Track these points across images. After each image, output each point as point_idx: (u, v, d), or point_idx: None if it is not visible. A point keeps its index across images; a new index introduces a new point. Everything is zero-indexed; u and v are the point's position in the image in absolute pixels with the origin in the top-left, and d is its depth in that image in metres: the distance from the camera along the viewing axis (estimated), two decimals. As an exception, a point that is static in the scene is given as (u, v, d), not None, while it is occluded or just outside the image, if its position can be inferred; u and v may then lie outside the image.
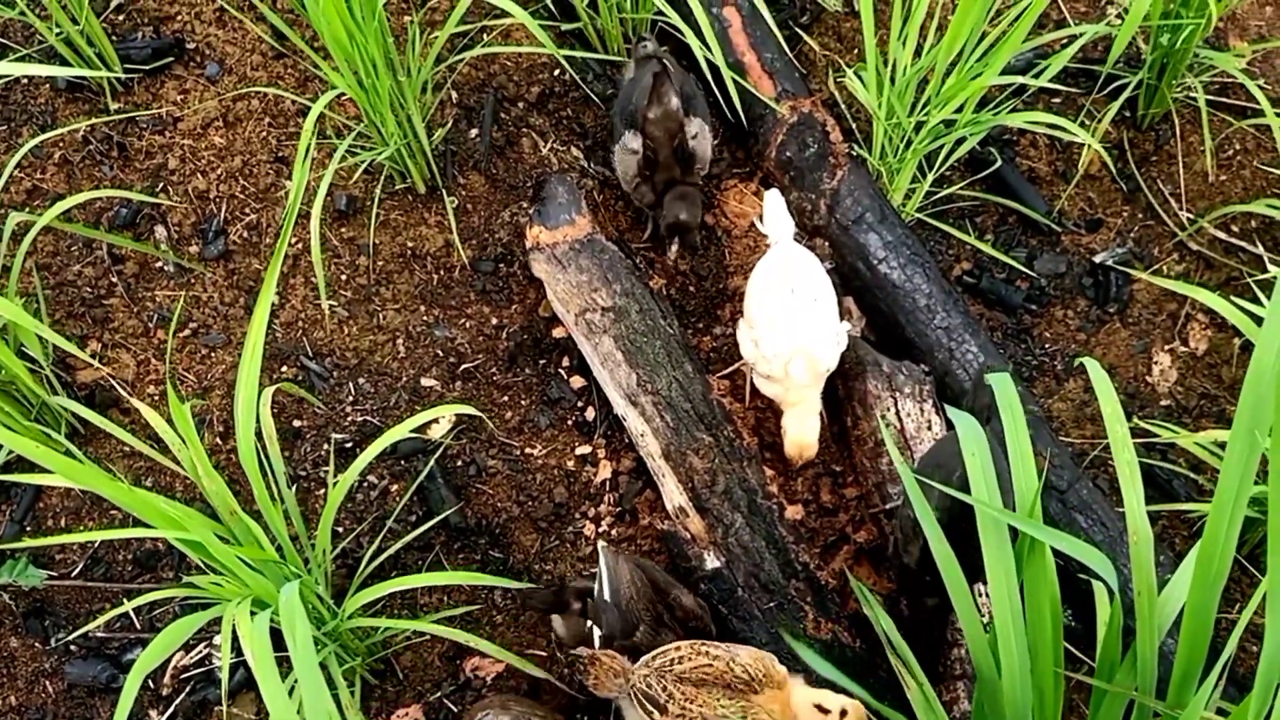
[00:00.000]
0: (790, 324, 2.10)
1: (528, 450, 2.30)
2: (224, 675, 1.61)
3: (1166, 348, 2.51)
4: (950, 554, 1.45)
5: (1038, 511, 1.46)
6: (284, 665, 1.47)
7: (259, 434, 1.76)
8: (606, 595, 1.90)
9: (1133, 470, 1.47)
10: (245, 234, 2.38)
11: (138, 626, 2.07)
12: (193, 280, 2.34)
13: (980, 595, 2.02)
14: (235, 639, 1.95)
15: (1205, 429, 2.37)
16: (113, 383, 2.22)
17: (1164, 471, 2.33)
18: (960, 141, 2.41)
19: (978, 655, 1.50)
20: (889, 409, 2.23)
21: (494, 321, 2.39)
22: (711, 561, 2.11)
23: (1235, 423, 1.18)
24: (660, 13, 2.47)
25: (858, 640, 2.12)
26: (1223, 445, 2.18)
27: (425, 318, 2.37)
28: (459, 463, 2.27)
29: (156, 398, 2.20)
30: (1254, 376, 1.17)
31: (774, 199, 2.25)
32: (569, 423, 2.35)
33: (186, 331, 2.28)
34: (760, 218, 2.27)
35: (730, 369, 2.35)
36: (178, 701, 2.02)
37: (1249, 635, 2.18)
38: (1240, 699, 1.37)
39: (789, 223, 2.23)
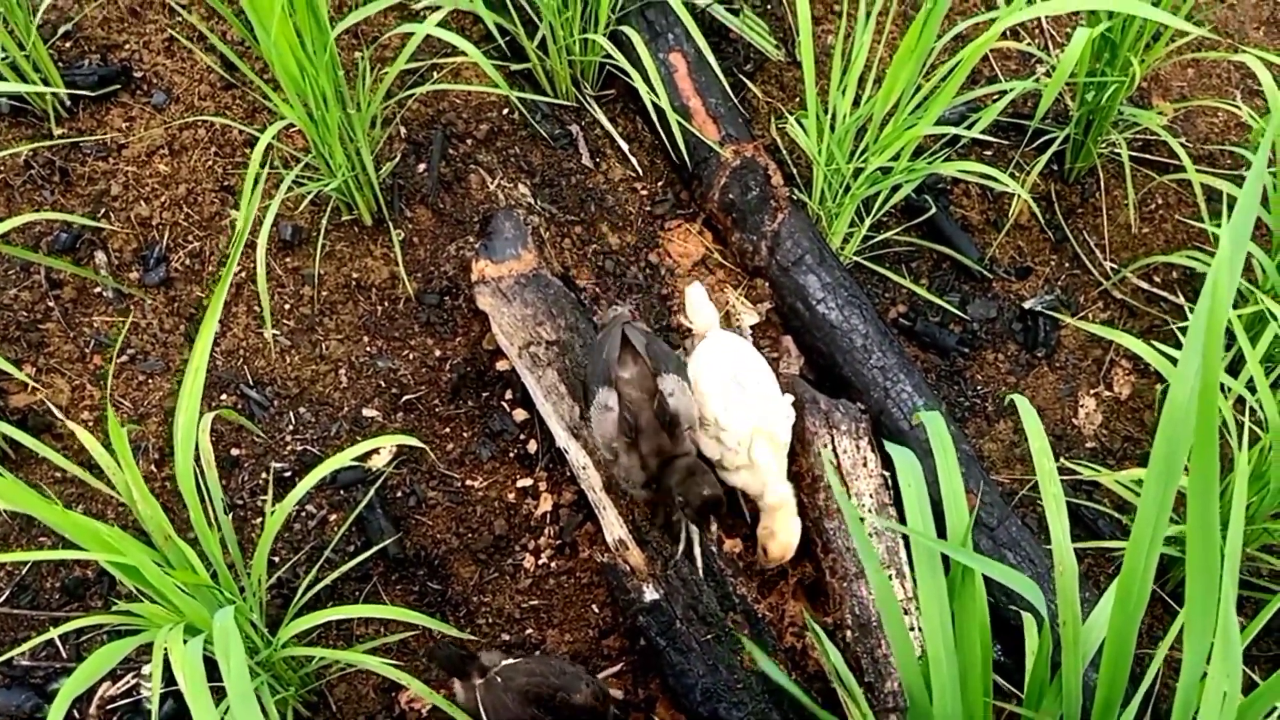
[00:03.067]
0: (744, 412, 2.14)
1: (469, 482, 2.31)
2: (154, 703, 1.57)
3: (1092, 392, 2.60)
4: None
5: (969, 543, 1.51)
6: (215, 695, 1.45)
7: (197, 459, 1.75)
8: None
9: (1059, 504, 1.53)
10: (188, 261, 2.37)
11: (64, 655, 2.02)
12: (132, 306, 2.32)
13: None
14: (164, 670, 1.92)
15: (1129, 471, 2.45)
16: (48, 406, 2.18)
17: (1089, 510, 2.41)
18: (896, 188, 2.49)
19: (910, 684, 1.53)
20: (826, 445, 2.27)
21: (437, 353, 2.40)
22: (650, 594, 2.12)
23: (1152, 460, 1.23)
24: (609, 56, 2.53)
25: (793, 672, 2.14)
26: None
27: (368, 348, 2.37)
28: (399, 494, 2.26)
29: (91, 424, 2.17)
30: (1169, 417, 1.23)
31: (696, 292, 2.28)
32: (511, 455, 2.35)
33: (124, 358, 2.26)
34: (684, 310, 2.31)
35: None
36: (103, 734, 1.98)
37: (1171, 670, 2.24)
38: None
39: (713, 313, 2.28)
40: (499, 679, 1.92)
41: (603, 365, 2.09)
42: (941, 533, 1.55)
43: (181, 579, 1.56)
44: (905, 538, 2.24)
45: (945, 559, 1.51)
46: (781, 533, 2.18)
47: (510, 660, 1.99)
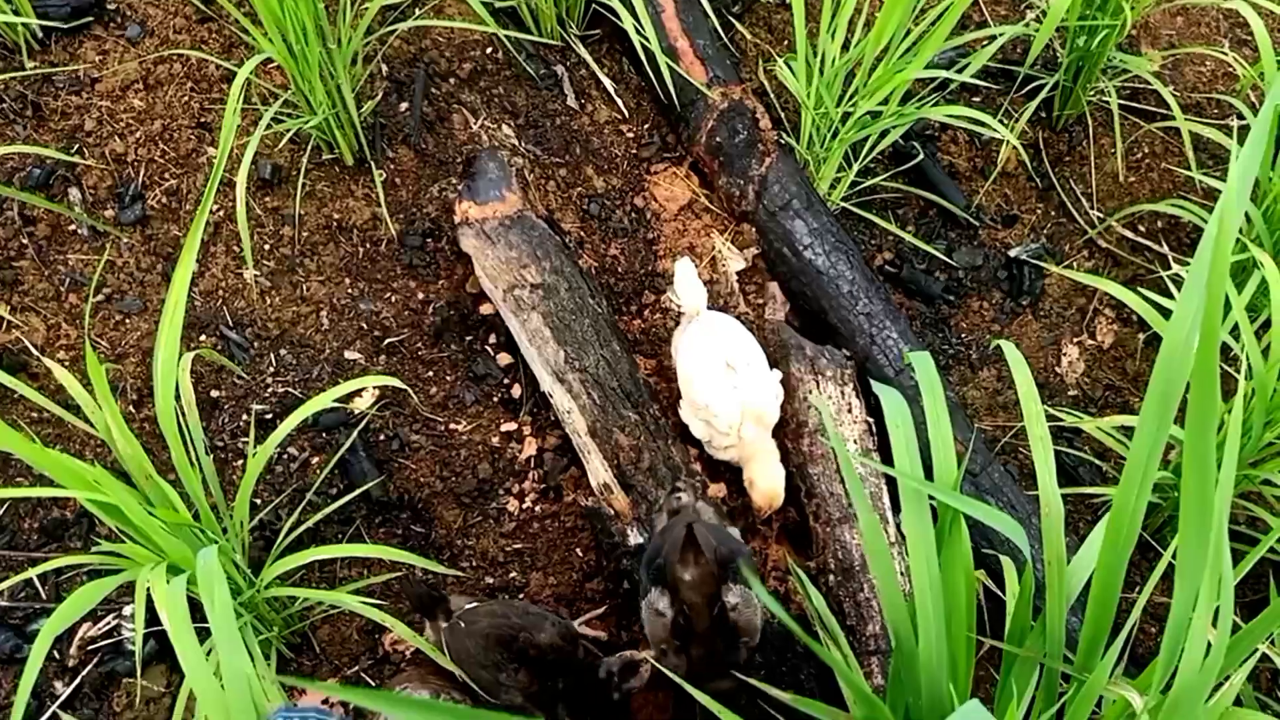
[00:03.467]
0: (734, 396, 2.12)
1: (452, 426, 2.29)
2: (138, 642, 1.56)
3: (1075, 340, 2.60)
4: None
5: (957, 485, 1.51)
6: (199, 636, 1.44)
7: (177, 399, 1.72)
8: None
9: (1045, 446, 1.53)
10: (164, 199, 2.32)
11: (43, 596, 2.00)
12: (108, 245, 2.27)
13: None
14: (146, 612, 1.91)
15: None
16: (24, 344, 2.14)
17: (1070, 458, 2.42)
18: (885, 134, 2.47)
19: (896, 624, 1.54)
20: (811, 391, 2.27)
21: (420, 296, 2.37)
22: (635, 537, 2.13)
23: (1148, 395, 1.23)
24: (595, -6, 2.48)
25: (773, 617, 2.16)
26: (1126, 430, 2.28)
27: (350, 290, 2.33)
28: (382, 437, 2.25)
29: (67, 363, 2.13)
30: (1167, 350, 1.22)
31: (684, 268, 2.22)
32: (495, 399, 2.34)
33: (100, 297, 2.21)
34: (672, 288, 2.24)
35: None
36: (84, 673, 1.96)
37: (1148, 617, 2.28)
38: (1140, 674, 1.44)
39: (703, 292, 2.22)
40: (461, 623, 1.91)
41: (661, 564, 1.86)
42: (928, 476, 1.55)
43: (164, 517, 1.54)
44: (889, 483, 2.25)
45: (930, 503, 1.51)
46: (760, 479, 2.18)
47: (473, 604, 1.98)
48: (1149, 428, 1.26)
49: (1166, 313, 2.27)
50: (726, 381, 2.13)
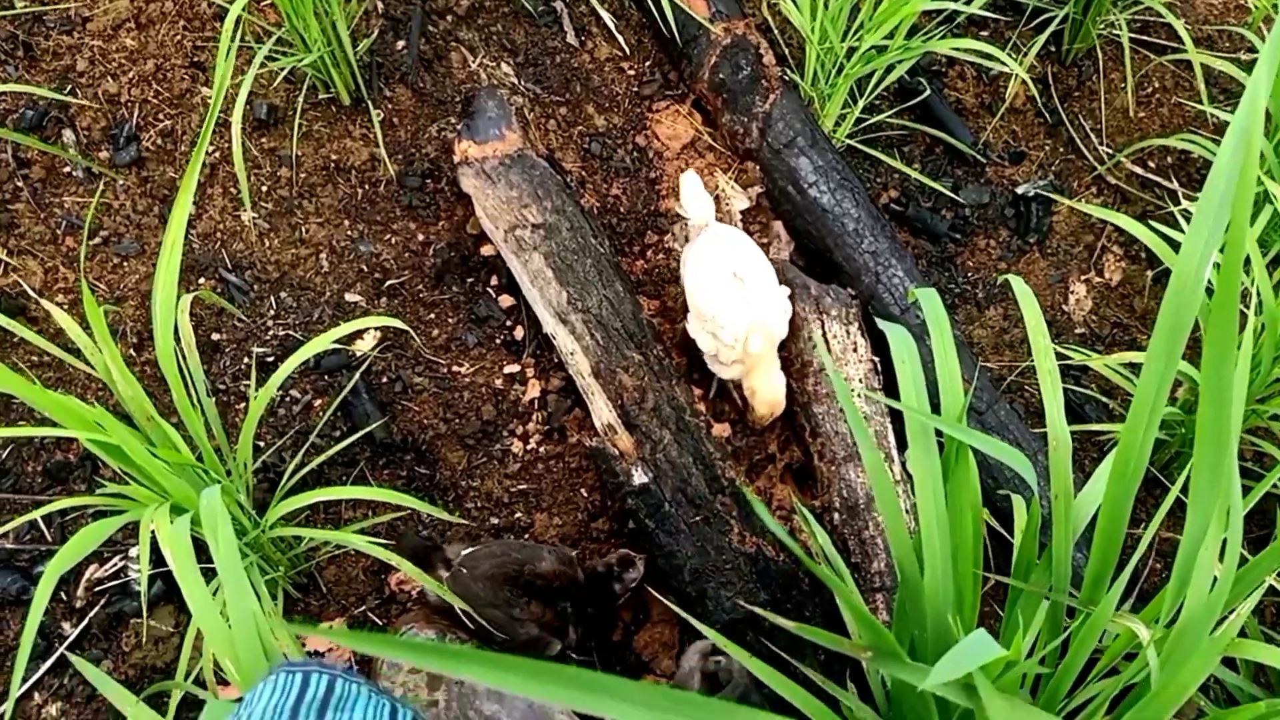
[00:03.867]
0: (742, 309, 2.09)
1: (455, 368, 2.28)
2: (143, 582, 1.57)
3: (1082, 278, 2.58)
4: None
5: (964, 419, 1.50)
6: (204, 578, 1.44)
7: (177, 341, 1.71)
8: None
9: (1054, 379, 1.51)
10: (159, 140, 2.29)
11: (49, 539, 2.01)
12: (103, 187, 2.24)
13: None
14: (152, 554, 1.91)
15: (1117, 356, 2.45)
16: (22, 288, 2.12)
17: (1076, 395, 2.41)
18: (890, 69, 2.43)
19: (901, 559, 1.53)
20: (816, 330, 2.25)
21: (420, 238, 2.34)
22: (639, 477, 2.12)
23: (1157, 326, 1.21)
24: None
25: (781, 555, 2.16)
26: (1133, 367, 2.27)
27: (349, 232, 2.31)
28: (384, 380, 2.24)
29: (66, 307, 2.12)
30: (1175, 288, 1.20)
31: (690, 181, 2.18)
32: (497, 341, 2.32)
33: (97, 240, 2.19)
34: (679, 200, 2.21)
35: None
36: (92, 614, 1.97)
37: (1152, 554, 2.28)
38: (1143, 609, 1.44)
39: (709, 204, 2.18)
40: (464, 569, 1.92)
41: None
42: (934, 412, 1.54)
43: (166, 457, 1.53)
44: (894, 424, 2.24)
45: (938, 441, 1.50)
46: (762, 388, 2.18)
47: (469, 549, 1.99)
48: (1158, 360, 1.24)
49: (1177, 246, 2.24)
50: (734, 294, 2.10)
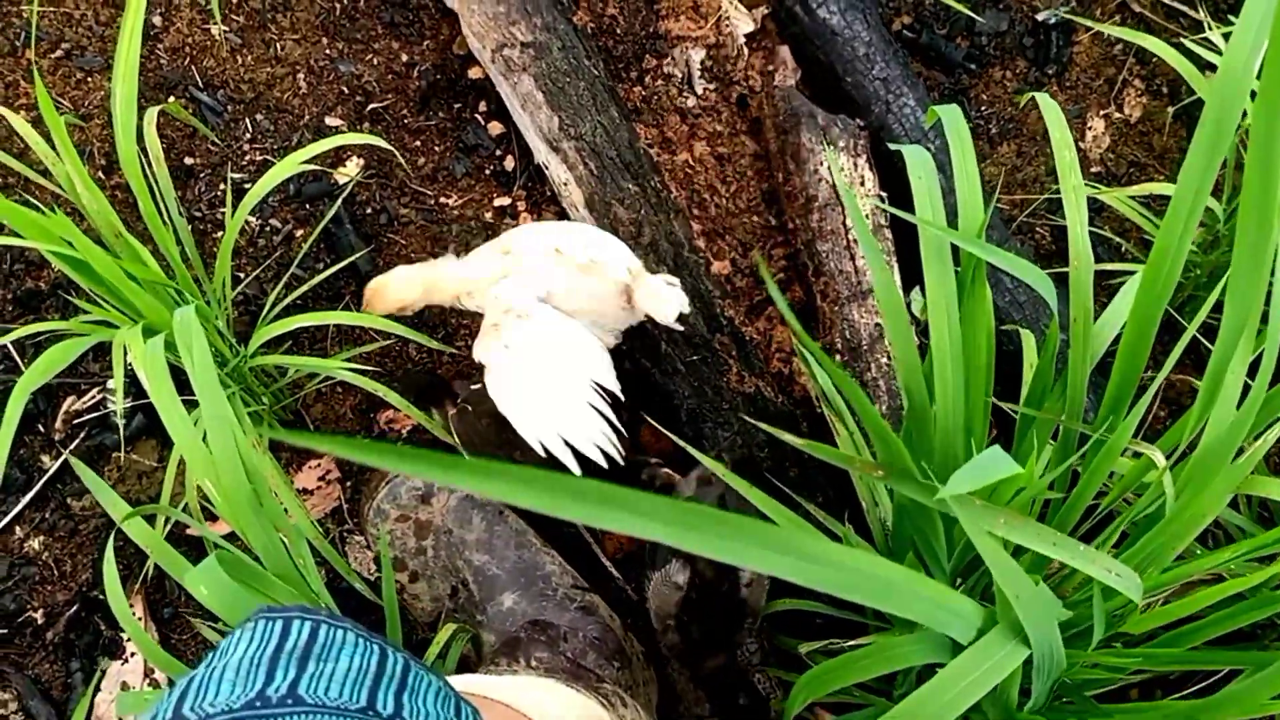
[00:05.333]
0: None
1: (442, 199, 2.17)
2: (118, 409, 1.50)
3: (1101, 113, 2.46)
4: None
5: (982, 235, 1.41)
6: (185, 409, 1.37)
7: (144, 153, 1.60)
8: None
9: (1079, 195, 1.42)
10: (120, -54, 2.12)
11: (21, 369, 1.93)
12: (62, -3, 2.09)
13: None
14: (132, 384, 1.84)
15: (1133, 195, 2.35)
16: (-24, 103, 1.99)
17: (1090, 235, 2.32)
18: (910, -122, 2.25)
19: (911, 387, 1.47)
20: (822, 163, 2.15)
21: (404, 58, 2.20)
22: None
23: (1201, 122, 1.11)
24: None
25: (780, 396, 2.11)
26: (1148, 202, 2.18)
27: (328, 51, 2.16)
28: (369, 210, 2.13)
29: (30, 122, 1.99)
30: (1221, 79, 1.10)
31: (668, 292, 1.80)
32: (487, 172, 2.21)
33: (58, 53, 2.04)
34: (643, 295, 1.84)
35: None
36: (72, 446, 1.91)
37: (1160, 402, 2.23)
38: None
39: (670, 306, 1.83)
40: (469, 406, 1.86)
41: None
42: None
43: (135, 270, 1.44)
44: (900, 264, 2.16)
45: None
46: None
47: (476, 385, 1.93)
48: (1198, 160, 1.14)
49: (1205, 69, 2.13)
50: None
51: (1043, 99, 1.56)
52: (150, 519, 1.73)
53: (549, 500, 0.63)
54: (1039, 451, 1.37)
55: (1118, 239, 2.32)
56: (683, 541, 0.68)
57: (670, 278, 1.80)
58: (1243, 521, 1.91)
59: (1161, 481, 1.26)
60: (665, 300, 1.77)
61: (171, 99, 2.07)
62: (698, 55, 2.29)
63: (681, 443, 1.63)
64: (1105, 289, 2.33)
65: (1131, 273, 2.22)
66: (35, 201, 2.00)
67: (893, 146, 1.60)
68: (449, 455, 0.57)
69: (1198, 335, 2.05)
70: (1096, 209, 2.34)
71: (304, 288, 1.94)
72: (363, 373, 1.93)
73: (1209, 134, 1.13)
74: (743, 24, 2.30)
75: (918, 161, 1.48)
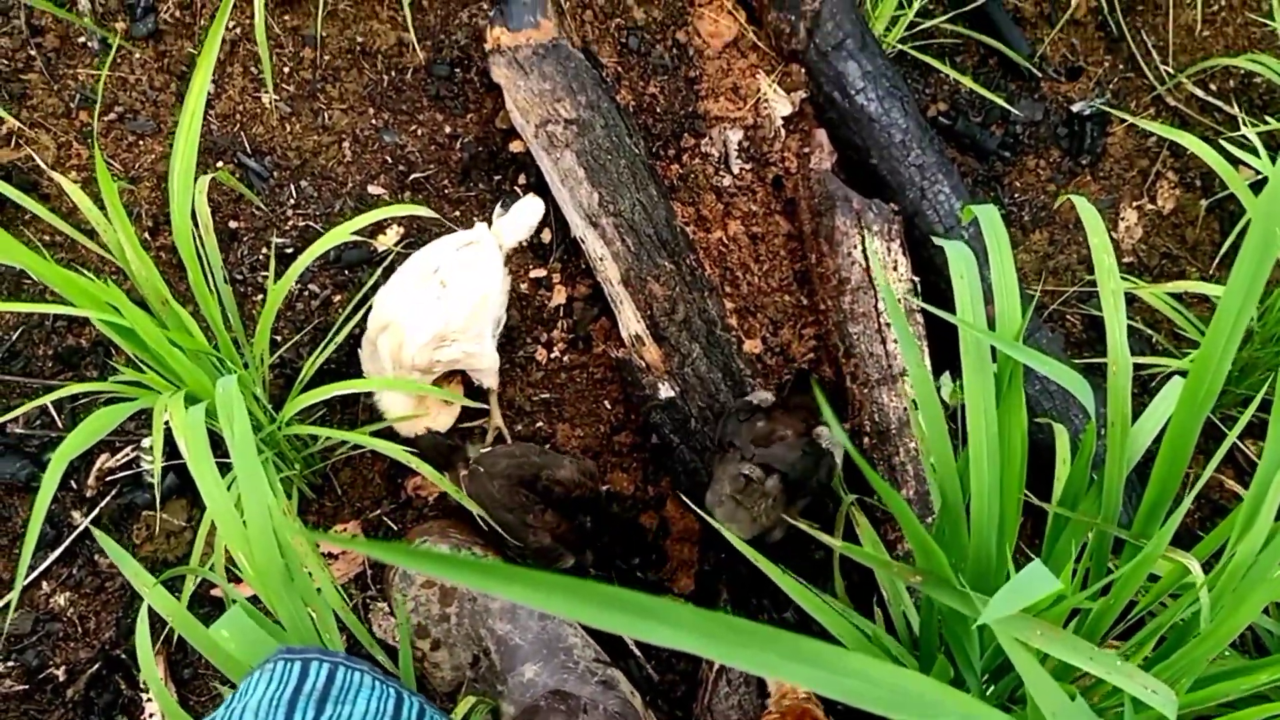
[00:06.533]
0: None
1: (479, 269, 2.19)
2: (156, 471, 1.51)
3: (1134, 205, 2.47)
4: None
5: (1020, 337, 1.42)
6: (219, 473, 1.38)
7: (195, 223, 1.63)
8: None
9: (1118, 299, 1.43)
10: (177, 13, 2.17)
11: (59, 425, 1.96)
12: (119, 60, 2.14)
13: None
14: (165, 446, 1.85)
15: (1165, 287, 2.36)
16: (35, 162, 2.03)
17: (1121, 326, 2.32)
18: (950, -30, 2.29)
19: (944, 483, 1.47)
20: (855, 246, 2.16)
21: (448, 130, 2.24)
22: (666, 391, 2.06)
23: (1250, 230, 1.12)
24: None
25: (811, 474, 2.10)
26: (1179, 294, 2.18)
27: (374, 121, 2.21)
28: (406, 277, 2.15)
29: (79, 184, 2.03)
30: (1271, 189, 1.11)
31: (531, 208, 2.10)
32: (524, 244, 2.23)
33: (112, 115, 2.09)
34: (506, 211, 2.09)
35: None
36: (103, 504, 1.92)
37: (1199, 503, 2.21)
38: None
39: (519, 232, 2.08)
40: (481, 467, 1.87)
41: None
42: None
43: (180, 342, 1.47)
44: (930, 347, 2.16)
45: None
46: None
47: (487, 448, 1.94)
48: (1248, 263, 1.15)
49: (1238, 165, 2.14)
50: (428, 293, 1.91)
51: (1079, 201, 1.57)
52: (170, 584, 1.74)
53: (591, 611, 0.63)
54: (1072, 557, 1.36)
55: (1149, 330, 2.32)
56: (717, 654, 0.68)
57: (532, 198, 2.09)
58: (1271, 625, 1.89)
59: (1198, 591, 1.26)
60: (522, 213, 2.06)
61: (220, 164, 2.11)
62: (735, 136, 2.32)
63: (706, 516, 1.63)
64: (1136, 380, 2.33)
65: (1164, 367, 2.22)
66: (73, 262, 2.03)
67: (935, 241, 1.61)
68: (501, 565, 0.57)
69: (1225, 430, 2.04)
70: (1128, 300, 2.34)
71: (331, 348, 1.96)
72: (389, 437, 1.95)
73: (1255, 247, 1.14)
74: (781, 107, 2.33)
75: (959, 258, 1.49)
